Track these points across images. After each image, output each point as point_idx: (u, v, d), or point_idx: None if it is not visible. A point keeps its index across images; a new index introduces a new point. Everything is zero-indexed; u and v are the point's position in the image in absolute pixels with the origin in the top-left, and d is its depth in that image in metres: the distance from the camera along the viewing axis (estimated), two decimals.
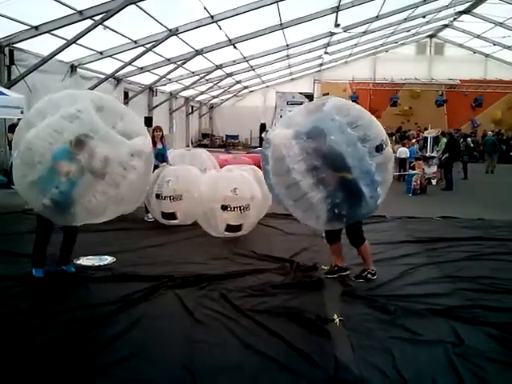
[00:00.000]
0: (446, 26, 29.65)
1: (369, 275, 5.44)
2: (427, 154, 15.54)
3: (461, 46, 32.04)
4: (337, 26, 19.29)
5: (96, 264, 5.94)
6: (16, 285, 5.11)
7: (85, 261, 6.01)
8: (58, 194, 4.73)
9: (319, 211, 4.93)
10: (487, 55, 32.05)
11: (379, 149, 4.83)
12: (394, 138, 21.99)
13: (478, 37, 28.87)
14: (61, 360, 3.52)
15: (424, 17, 23.67)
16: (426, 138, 16.76)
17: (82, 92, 5.45)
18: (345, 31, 21.01)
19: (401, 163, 15.93)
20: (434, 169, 15.15)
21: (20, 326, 4.11)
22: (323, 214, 4.94)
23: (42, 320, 4.22)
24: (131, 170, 5.02)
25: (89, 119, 4.78)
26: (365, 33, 24.01)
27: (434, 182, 14.99)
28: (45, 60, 13.34)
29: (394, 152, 17.05)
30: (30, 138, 4.72)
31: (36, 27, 12.53)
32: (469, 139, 21.61)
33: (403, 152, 16.07)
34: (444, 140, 15.89)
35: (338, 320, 4.27)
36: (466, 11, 24.89)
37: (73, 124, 4.72)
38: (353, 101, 30.87)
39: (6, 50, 13.01)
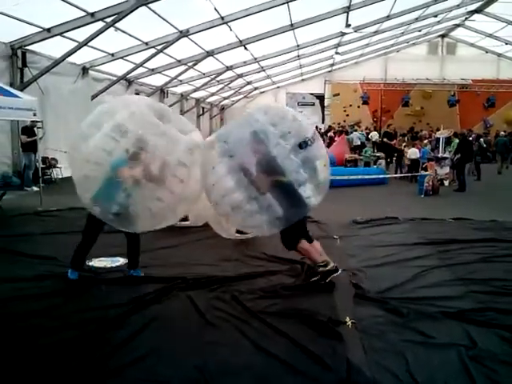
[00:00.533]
0: (457, 25, 29.46)
1: (320, 268, 5.27)
2: (439, 155, 15.44)
3: (473, 45, 31.81)
4: (348, 26, 19.25)
5: (108, 265, 5.98)
6: (29, 286, 5.15)
7: (97, 262, 6.04)
8: (118, 206, 4.74)
9: (258, 219, 4.88)
10: (499, 54, 31.78)
11: (302, 146, 4.81)
12: (406, 138, 21.89)
13: (490, 36, 28.65)
14: (75, 361, 3.55)
15: (435, 16, 23.54)
16: (438, 139, 16.64)
17: (132, 97, 5.47)
18: (356, 31, 20.95)
19: (412, 164, 15.82)
20: (447, 170, 15.04)
21: (34, 327, 4.14)
22: (264, 221, 4.89)
23: (55, 321, 4.26)
24: (192, 165, 5.02)
25: (145, 119, 4.81)
26: (376, 33, 23.92)
27: (446, 183, 14.88)
28: (57, 62, 13.45)
29: (405, 153, 17.03)
30: (89, 149, 4.69)
31: (48, 29, 12.63)
32: (481, 139, 21.44)
33: (414, 153, 15.98)
34: (456, 141, 15.78)
35: (350, 322, 4.25)
36: (478, 10, 24.70)
37: (129, 126, 4.71)
38: (364, 101, 31.14)
39: (19, 52, 13.14)
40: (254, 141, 4.80)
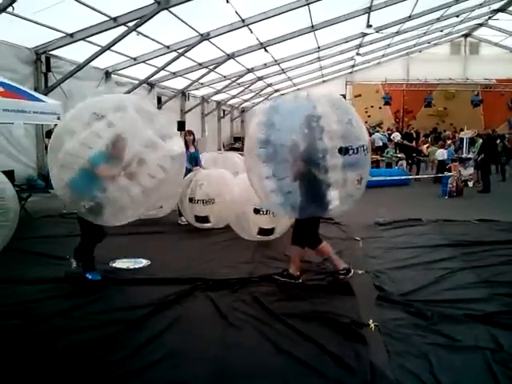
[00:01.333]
0: (480, 24, 28.99)
1: (284, 273, 5.42)
2: (463, 156, 15.21)
3: (496, 44, 31.28)
4: (369, 26, 19.09)
5: (131, 267, 6.03)
6: (52, 287, 5.22)
7: (120, 264, 6.10)
8: (90, 201, 4.85)
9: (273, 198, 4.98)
10: None
11: (341, 151, 4.73)
12: (429, 139, 21.63)
13: None
14: (94, 362, 3.58)
15: (457, 16, 23.20)
16: (462, 139, 16.39)
17: (120, 96, 5.55)
18: (377, 32, 20.77)
19: (440, 166, 15.49)
20: (471, 170, 14.81)
21: (55, 328, 4.20)
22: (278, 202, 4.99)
23: (76, 322, 4.31)
24: (163, 170, 5.08)
25: (130, 120, 4.90)
26: (397, 33, 23.68)
27: (470, 184, 14.65)
28: (80, 67, 13.63)
29: (428, 155, 16.80)
30: (73, 144, 4.82)
31: (71, 34, 12.80)
32: (506, 140, 21.05)
33: (441, 154, 15.70)
34: (480, 141, 15.53)
35: (373, 325, 4.21)
36: (502, 9, 24.27)
37: (113, 127, 4.83)
38: (386, 101, 30.84)
39: (43, 57, 13.35)
40: (305, 126, 4.77)
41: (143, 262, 6.14)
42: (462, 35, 31.93)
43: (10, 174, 10.48)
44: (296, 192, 4.86)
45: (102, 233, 5.44)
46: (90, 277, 5.37)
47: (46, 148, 12.74)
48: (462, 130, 19.40)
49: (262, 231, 7.17)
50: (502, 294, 5.02)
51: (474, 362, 3.61)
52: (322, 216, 5.48)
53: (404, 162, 17.55)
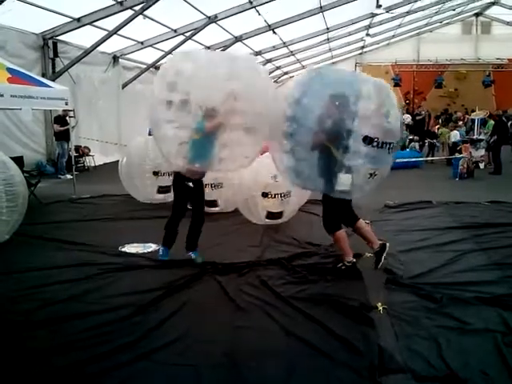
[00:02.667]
0: (492, 3, 28.47)
1: (345, 265, 5.25)
2: (475, 137, 15.02)
3: (509, 23, 30.71)
4: (378, 6, 18.77)
5: (140, 251, 6.05)
6: (65, 272, 5.24)
7: (129, 248, 6.13)
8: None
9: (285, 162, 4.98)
10: None
11: (366, 141, 4.60)
12: (440, 120, 21.40)
13: None
14: (106, 345, 3.61)
15: None
16: (473, 120, 16.18)
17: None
18: (387, 12, 20.45)
19: (453, 147, 15.22)
20: (482, 152, 14.62)
21: (69, 311, 4.23)
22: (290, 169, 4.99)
23: (89, 306, 4.34)
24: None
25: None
26: (408, 13, 23.31)
27: (481, 165, 14.50)
28: (87, 52, 13.61)
29: (439, 136, 16.57)
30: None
31: (78, 19, 12.76)
32: None
33: (455, 135, 15.42)
34: (491, 122, 15.32)
35: (381, 308, 4.20)
36: None
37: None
38: (395, 83, 30.50)
39: (50, 42, 13.34)
40: (331, 102, 4.70)
41: (152, 247, 6.16)
42: (474, 14, 31.38)
43: (19, 160, 10.55)
44: (309, 161, 4.81)
45: (185, 206, 5.57)
46: (160, 252, 5.61)
47: (55, 134, 12.82)
48: (473, 110, 19.16)
49: (271, 215, 7.16)
50: None
51: (484, 345, 3.59)
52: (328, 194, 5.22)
53: (416, 144, 17.38)
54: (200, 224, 5.60)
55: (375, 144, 4.64)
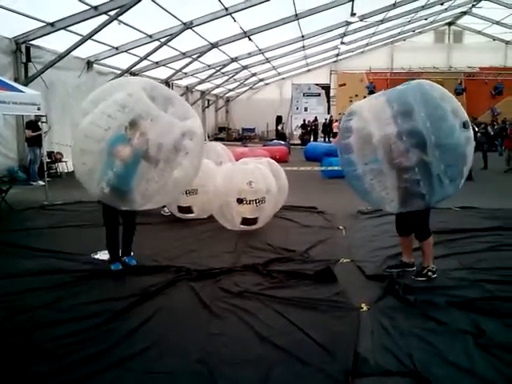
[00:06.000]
0: (464, 12, 29.16)
1: (429, 273, 5.15)
2: None
3: (480, 33, 31.49)
4: (353, 15, 19.08)
5: None
6: (36, 280, 5.14)
7: (102, 255, 6.05)
8: (114, 177, 4.75)
9: (392, 192, 4.80)
10: (507, 42, 31.47)
11: (466, 125, 4.68)
12: None
13: (498, 23, 28.35)
14: (77, 353, 3.54)
15: (442, 4, 23.28)
16: None
17: (132, 79, 5.48)
18: (361, 20, 20.77)
19: None
20: None
21: (39, 319, 4.16)
22: (396, 196, 4.80)
23: (60, 314, 4.27)
24: (184, 152, 5.05)
25: (140, 101, 4.79)
26: (382, 21, 23.72)
27: None
28: (61, 56, 13.44)
29: None
30: (85, 125, 4.75)
31: (52, 24, 12.62)
32: (489, 128, 21.22)
33: None
34: None
35: (366, 308, 4.32)
36: None
37: (125, 109, 4.73)
38: (370, 90, 30.91)
39: (23, 47, 13.14)
40: (418, 116, 4.56)
41: None
42: (446, 23, 32.08)
43: None
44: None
45: (117, 220, 5.49)
46: (112, 267, 5.45)
47: (27, 139, 12.60)
48: None
49: (246, 221, 7.16)
50: (483, 280, 5.07)
51: (456, 346, 3.64)
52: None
53: None
54: (132, 230, 5.69)
55: (468, 124, 4.73)
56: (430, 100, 4.65)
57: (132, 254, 5.75)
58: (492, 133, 20.83)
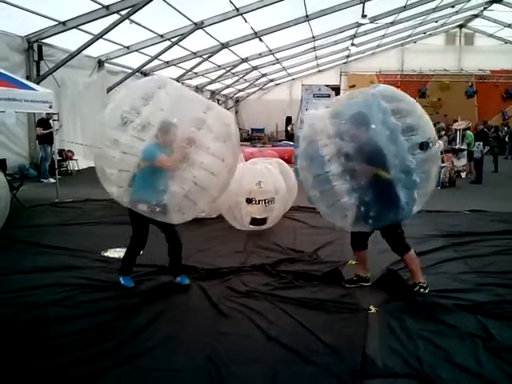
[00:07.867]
0: (475, 15, 28.97)
1: (421, 289, 4.75)
2: (457, 147, 15.21)
3: (491, 35, 31.25)
4: (364, 16, 19.02)
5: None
6: (45, 276, 5.18)
7: (112, 253, 6.09)
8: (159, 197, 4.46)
9: (346, 209, 4.47)
10: None
11: (424, 147, 4.35)
12: None
13: (509, 26, 28.12)
14: (87, 350, 3.58)
15: (453, 7, 23.17)
16: (456, 130, 16.40)
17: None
18: (372, 22, 20.71)
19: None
20: (464, 161, 14.83)
21: (49, 316, 4.20)
22: (350, 213, 4.48)
23: (70, 310, 4.31)
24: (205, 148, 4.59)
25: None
26: (392, 23, 23.61)
27: (463, 175, 14.68)
28: (73, 55, 13.54)
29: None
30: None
31: (64, 23, 12.70)
32: (500, 132, 21.12)
33: (441, 145, 15.68)
34: (469, 133, 15.47)
35: (373, 309, 4.32)
36: (497, 0, 24.25)
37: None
38: None
39: (35, 45, 13.25)
40: (370, 129, 4.28)
41: None
42: (457, 26, 31.88)
43: (1, 163, 10.45)
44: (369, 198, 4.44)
45: (145, 239, 4.96)
46: (122, 281, 4.93)
47: (38, 137, 12.71)
48: (455, 120, 19.40)
49: (255, 221, 7.18)
50: (492, 284, 5.06)
51: (464, 350, 3.64)
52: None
53: None
54: (179, 247, 5.05)
55: (431, 145, 4.42)
56: (382, 114, 4.31)
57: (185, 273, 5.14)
58: (507, 138, 20.69)
